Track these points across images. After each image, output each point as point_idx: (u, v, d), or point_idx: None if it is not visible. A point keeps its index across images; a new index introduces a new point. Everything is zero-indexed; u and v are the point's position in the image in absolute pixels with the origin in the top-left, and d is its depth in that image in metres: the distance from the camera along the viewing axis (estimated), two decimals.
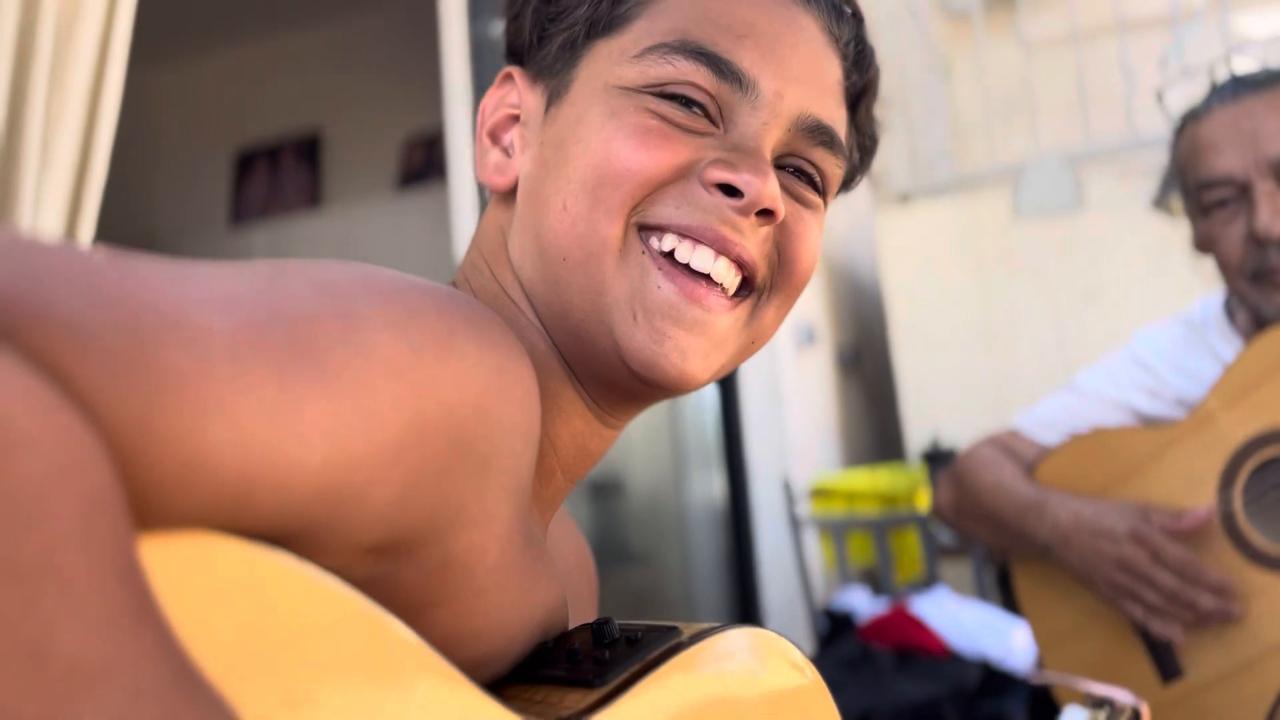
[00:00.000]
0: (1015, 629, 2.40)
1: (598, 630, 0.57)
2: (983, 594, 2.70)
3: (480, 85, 2.76)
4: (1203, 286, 1.58)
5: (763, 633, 0.62)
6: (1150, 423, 1.47)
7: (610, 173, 0.61)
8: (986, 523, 1.50)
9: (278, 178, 4.22)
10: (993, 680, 2.34)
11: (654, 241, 0.62)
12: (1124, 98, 3.17)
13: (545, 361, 0.65)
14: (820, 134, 0.66)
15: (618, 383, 0.65)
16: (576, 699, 0.53)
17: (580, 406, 0.67)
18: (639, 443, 3.35)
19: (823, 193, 0.69)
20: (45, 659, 0.28)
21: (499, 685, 0.56)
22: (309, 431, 0.39)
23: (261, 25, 4.07)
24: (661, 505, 3.48)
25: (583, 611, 0.80)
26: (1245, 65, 1.40)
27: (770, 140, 0.64)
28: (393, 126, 4.04)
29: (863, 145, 0.76)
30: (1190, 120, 1.40)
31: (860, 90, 0.73)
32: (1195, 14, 3.05)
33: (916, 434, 3.59)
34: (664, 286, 0.61)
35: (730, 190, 0.62)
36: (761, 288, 0.66)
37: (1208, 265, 1.45)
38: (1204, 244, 1.42)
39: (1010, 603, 2.64)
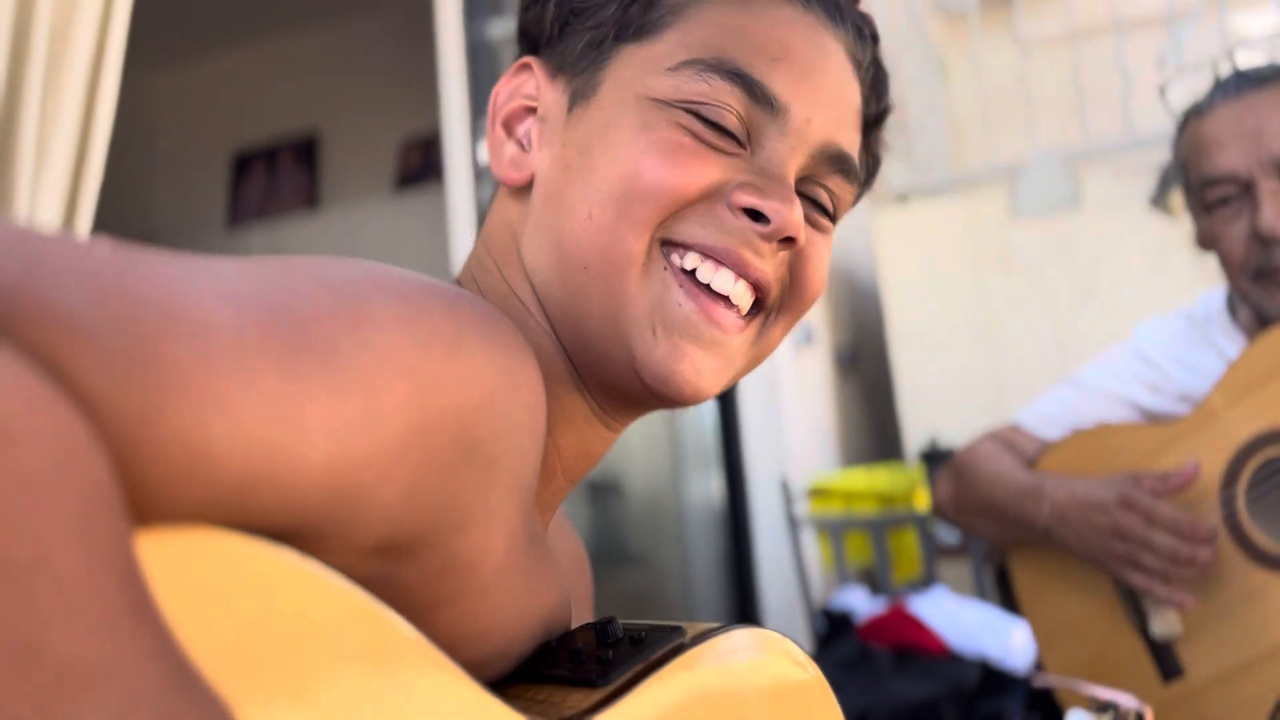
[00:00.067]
0: (1014, 628, 2.40)
1: (601, 630, 0.57)
2: (981, 593, 2.70)
3: (477, 87, 2.75)
4: (1203, 284, 1.58)
5: (766, 633, 0.62)
6: (1153, 418, 1.47)
7: (640, 187, 0.61)
8: (986, 514, 1.49)
9: (275, 179, 4.22)
10: (991, 680, 2.33)
11: (675, 258, 0.63)
12: (1121, 97, 3.18)
13: (552, 365, 0.65)
14: (840, 162, 0.67)
15: (626, 392, 0.65)
16: (580, 698, 0.53)
17: (584, 410, 0.67)
18: (637, 444, 3.35)
19: (833, 217, 0.70)
20: (39, 659, 0.27)
21: (502, 684, 0.56)
22: (313, 428, 0.38)
23: (258, 27, 4.06)
24: (660, 506, 3.47)
25: (580, 612, 0.80)
26: (1249, 60, 1.39)
27: (794, 166, 0.65)
28: (390, 128, 4.04)
29: (869, 166, 0.77)
30: (1193, 116, 1.39)
31: (876, 116, 0.74)
32: (1191, 13, 3.05)
33: (914, 434, 3.59)
34: (685, 304, 0.62)
35: (756, 215, 0.62)
36: (771, 307, 0.67)
37: (1209, 261, 1.44)
38: (1206, 241, 1.41)
39: (1009, 602, 2.64)
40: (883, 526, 2.89)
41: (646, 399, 0.65)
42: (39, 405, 0.29)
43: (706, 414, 3.38)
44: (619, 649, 0.55)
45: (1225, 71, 1.39)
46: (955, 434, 3.19)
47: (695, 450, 3.41)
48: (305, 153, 4.21)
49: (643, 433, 3.31)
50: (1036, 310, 3.53)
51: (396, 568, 0.46)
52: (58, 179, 1.00)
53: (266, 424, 0.37)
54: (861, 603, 2.72)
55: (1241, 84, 1.34)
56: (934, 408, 3.57)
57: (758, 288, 0.64)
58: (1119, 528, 1.29)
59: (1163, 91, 1.51)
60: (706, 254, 0.62)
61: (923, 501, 3.03)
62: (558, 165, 0.65)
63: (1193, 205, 1.43)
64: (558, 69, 0.68)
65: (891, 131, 0.79)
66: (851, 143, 0.68)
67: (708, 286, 0.63)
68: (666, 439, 3.39)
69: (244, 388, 0.36)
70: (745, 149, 0.64)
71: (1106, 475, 1.35)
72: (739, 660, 0.60)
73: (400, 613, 0.44)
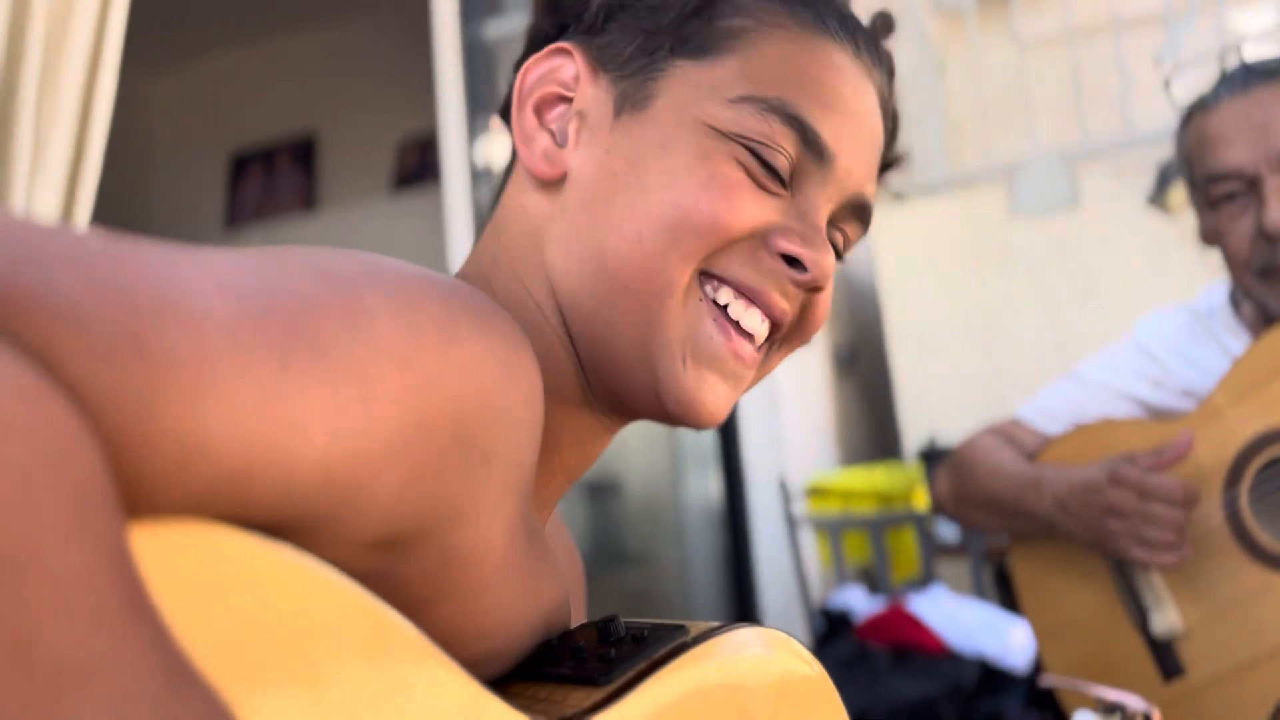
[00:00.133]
0: (1013, 627, 2.40)
1: (603, 628, 0.57)
2: (980, 592, 2.70)
3: (474, 88, 2.76)
4: (1203, 282, 1.57)
5: (770, 631, 0.61)
6: (1155, 413, 1.46)
7: (697, 221, 0.61)
8: (986, 508, 1.48)
9: (273, 180, 4.21)
10: (990, 679, 2.33)
11: (709, 289, 0.64)
12: (1119, 95, 3.18)
13: (562, 369, 0.65)
14: (862, 212, 0.69)
15: (637, 407, 0.66)
16: (581, 697, 0.53)
17: (589, 416, 0.68)
18: (636, 443, 3.35)
19: (841, 257, 0.71)
20: (31, 656, 0.27)
21: (502, 683, 0.56)
22: (310, 419, 0.38)
23: (255, 28, 4.06)
24: (658, 506, 3.47)
25: (575, 612, 0.80)
26: (1256, 53, 1.37)
27: (827, 213, 0.66)
28: (387, 129, 4.04)
29: None
30: (1198, 110, 1.37)
31: (887, 162, 0.75)
32: (1189, 11, 3.05)
33: (913, 432, 3.59)
34: (716, 338, 0.64)
35: (793, 261, 0.64)
36: (780, 338, 0.69)
37: (1209, 259, 1.43)
38: (1210, 237, 1.40)
39: (1008, 601, 2.64)
40: (881, 526, 2.89)
41: (658, 417, 0.66)
42: (30, 397, 0.29)
43: None
44: (621, 647, 0.55)
45: (1231, 65, 1.37)
46: (954, 433, 3.19)
47: (694, 450, 3.40)
48: (303, 153, 4.21)
49: (641, 433, 3.31)
50: (1035, 309, 3.53)
51: (395, 563, 0.46)
52: (54, 180, 1.00)
53: (262, 416, 0.36)
54: (860, 602, 2.72)
55: (1248, 78, 1.33)
56: (933, 407, 3.57)
57: (775, 324, 0.66)
58: (1113, 506, 1.28)
59: (1167, 85, 1.49)
60: (741, 291, 0.64)
61: (921, 501, 3.03)
62: (601, 172, 0.64)
63: (1197, 201, 1.42)
64: (601, 64, 0.67)
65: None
66: (873, 191, 0.70)
67: (736, 322, 0.64)
68: (665, 439, 3.39)
69: (239, 379, 0.36)
70: (787, 191, 0.65)
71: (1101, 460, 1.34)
72: (742, 658, 0.59)
73: (399, 609, 0.43)
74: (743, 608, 3.20)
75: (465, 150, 2.72)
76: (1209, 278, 1.55)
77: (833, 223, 0.68)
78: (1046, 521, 1.38)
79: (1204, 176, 1.36)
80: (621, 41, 0.66)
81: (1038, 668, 2.18)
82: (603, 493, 3.34)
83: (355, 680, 0.40)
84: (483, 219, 2.71)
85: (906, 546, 3.00)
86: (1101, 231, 3.40)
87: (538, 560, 0.57)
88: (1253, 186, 1.31)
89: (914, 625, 2.46)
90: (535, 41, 0.71)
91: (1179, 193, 2.83)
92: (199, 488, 0.35)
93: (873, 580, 3.07)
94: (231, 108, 4.28)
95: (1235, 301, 1.46)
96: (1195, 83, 1.43)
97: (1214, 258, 1.42)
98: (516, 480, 0.51)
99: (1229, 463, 1.31)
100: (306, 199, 4.17)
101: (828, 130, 0.64)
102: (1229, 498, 1.30)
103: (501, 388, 0.48)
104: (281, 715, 0.37)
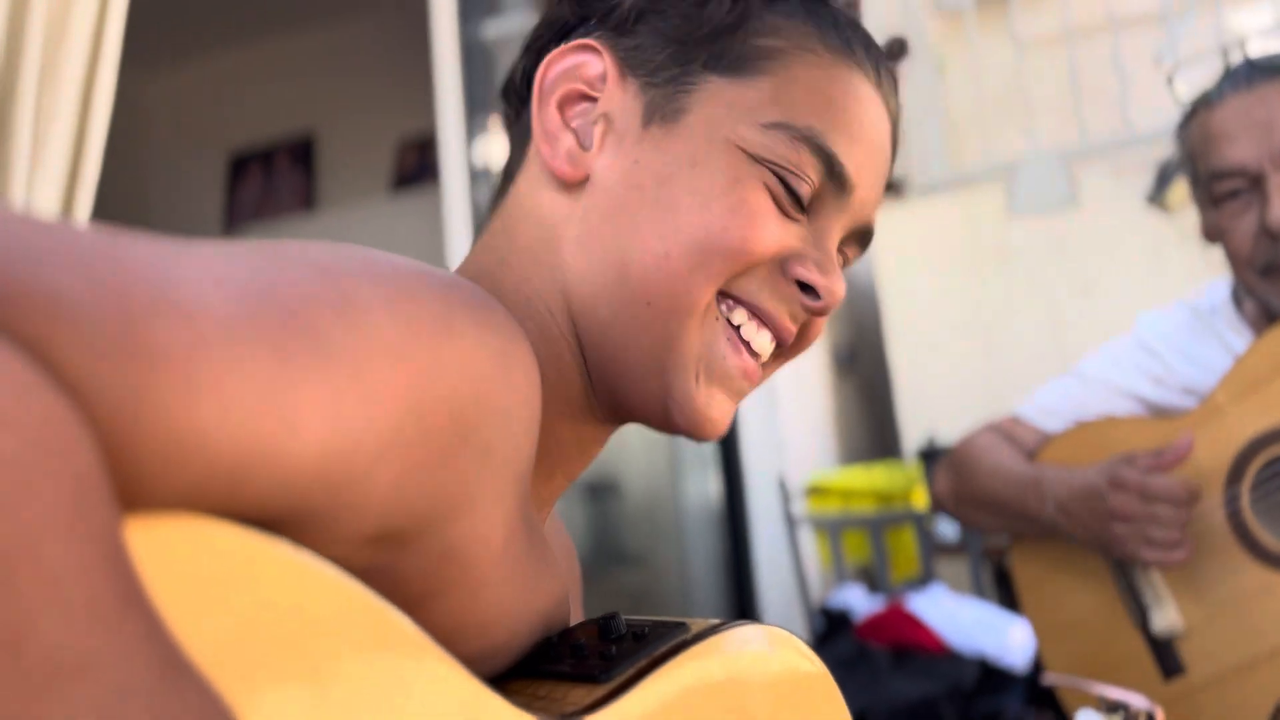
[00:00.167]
0: (1012, 626, 2.39)
1: (604, 625, 0.57)
2: (979, 591, 2.70)
3: (472, 88, 2.75)
4: (1202, 281, 1.56)
5: (771, 628, 0.61)
6: (1156, 410, 1.45)
7: (726, 245, 0.62)
8: (986, 508, 1.48)
9: (272, 180, 4.21)
10: (990, 678, 2.33)
11: (724, 308, 0.65)
12: (1118, 95, 3.18)
13: (568, 374, 0.65)
14: (866, 237, 0.71)
15: (641, 415, 0.67)
16: (582, 694, 0.52)
17: (591, 419, 0.68)
18: (636, 443, 3.35)
19: None
20: (23, 651, 0.27)
21: (502, 680, 0.56)
22: (306, 412, 0.38)
23: (254, 28, 4.06)
24: (658, 505, 3.47)
25: (573, 610, 0.80)
26: (1260, 49, 1.36)
27: (839, 238, 0.68)
28: (386, 129, 4.03)
29: None
30: (1202, 107, 1.37)
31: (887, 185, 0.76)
32: (1188, 11, 3.05)
33: (912, 432, 3.59)
34: (729, 358, 0.65)
35: (808, 288, 0.65)
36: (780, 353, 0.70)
37: (1208, 257, 1.43)
38: (1213, 234, 1.39)
39: (1007, 600, 2.64)
40: (881, 525, 2.88)
41: (660, 427, 0.66)
42: (25, 391, 0.28)
43: None
44: (622, 644, 0.55)
45: (1235, 61, 1.37)
46: (953, 432, 3.18)
47: (693, 449, 3.40)
48: (302, 154, 4.21)
49: (641, 433, 3.28)
50: (1034, 308, 3.53)
51: (393, 558, 0.46)
52: (53, 180, 1.00)
53: (257, 409, 0.36)
54: (859, 601, 2.72)
55: (1252, 74, 1.32)
56: (932, 406, 3.57)
57: (780, 343, 0.68)
58: (1116, 510, 1.27)
59: (1170, 81, 1.48)
60: (754, 313, 0.65)
61: (921, 500, 3.02)
62: (628, 183, 0.64)
63: (1200, 198, 1.41)
64: (629, 67, 0.66)
65: None
66: (876, 216, 0.71)
67: (748, 343, 0.66)
68: (665, 439, 3.39)
69: (234, 372, 0.35)
70: (805, 216, 0.66)
71: (1100, 463, 1.33)
72: (743, 655, 0.59)
73: (398, 605, 0.43)
74: (742, 607, 3.20)
75: (464, 150, 2.72)
76: (1208, 276, 1.54)
77: (839, 248, 0.70)
78: (1048, 525, 1.37)
79: (1207, 173, 1.35)
80: (652, 47, 0.66)
81: (1037, 667, 2.18)
82: (602, 493, 3.34)
83: (354, 678, 0.40)
84: (482, 219, 2.70)
85: (906, 546, 3.00)
86: (1100, 231, 3.40)
87: (537, 557, 0.57)
88: (1256, 183, 1.30)
89: (913, 624, 2.45)
90: (554, 28, 0.70)
91: (1178, 192, 2.83)
92: (194, 482, 0.35)
93: (872, 579, 3.07)
94: (230, 108, 4.28)
95: (1237, 299, 1.45)
96: (1199, 79, 1.41)
97: (1214, 256, 1.41)
98: (515, 474, 0.51)
99: (1230, 462, 1.30)
100: (306, 199, 4.17)
101: (851, 162, 0.65)
102: (1230, 496, 1.29)
103: (499, 381, 0.48)
104: (280, 713, 0.36)
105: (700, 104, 0.64)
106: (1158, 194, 2.95)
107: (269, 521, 0.38)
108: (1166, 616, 1.32)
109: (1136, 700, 0.80)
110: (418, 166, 3.97)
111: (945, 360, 3.62)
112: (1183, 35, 2.84)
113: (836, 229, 0.67)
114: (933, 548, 2.91)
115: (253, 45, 4.14)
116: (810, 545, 3.16)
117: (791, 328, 0.67)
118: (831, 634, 2.63)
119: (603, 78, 0.66)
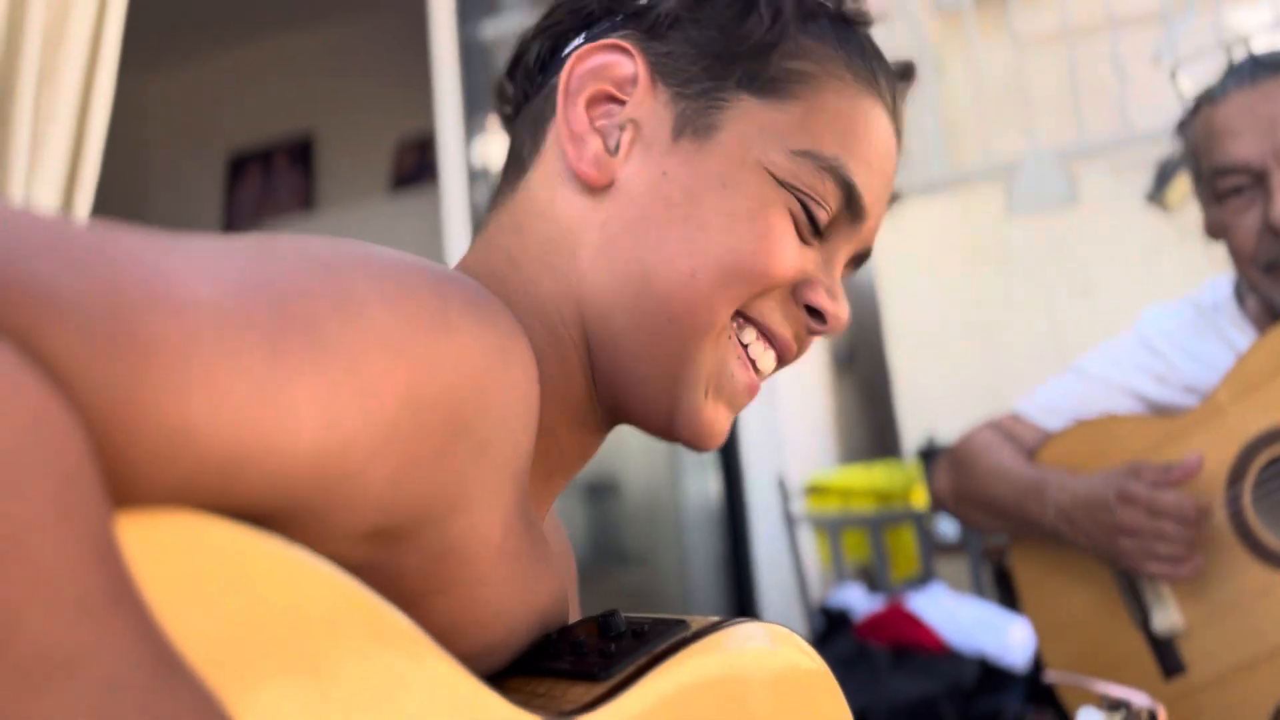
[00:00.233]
0: (1012, 625, 2.39)
1: (604, 623, 0.57)
2: (979, 590, 2.70)
3: (471, 88, 2.75)
4: (1205, 276, 1.56)
5: (771, 625, 0.61)
6: (1158, 409, 1.44)
7: (752, 270, 0.62)
8: (986, 508, 1.47)
9: (271, 180, 4.21)
10: (990, 677, 2.33)
11: (734, 326, 0.65)
12: (1117, 93, 3.18)
13: (573, 377, 0.65)
14: (864, 258, 0.72)
15: (642, 424, 0.68)
16: (581, 692, 0.52)
17: (593, 421, 0.68)
18: (635, 443, 3.34)
19: None
20: (13, 645, 0.26)
21: (500, 678, 0.55)
22: (300, 406, 0.37)
23: (253, 28, 4.05)
24: (657, 505, 3.47)
25: (570, 611, 0.80)
26: (1265, 45, 1.36)
27: (844, 261, 0.69)
28: (385, 129, 4.03)
29: None
30: (1205, 102, 1.36)
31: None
32: (1187, 9, 3.05)
33: (912, 431, 3.59)
34: (739, 376, 0.66)
35: (816, 313, 0.67)
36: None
37: (1207, 256, 1.42)
38: (1216, 231, 1.38)
39: (1007, 599, 2.64)
40: (880, 524, 2.88)
41: (662, 436, 0.67)
42: (15, 384, 0.28)
43: None
44: (621, 642, 0.55)
45: (1239, 57, 1.36)
46: (953, 431, 3.17)
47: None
48: (301, 154, 4.21)
49: (640, 433, 3.30)
50: (1034, 307, 3.53)
51: (390, 555, 0.46)
52: (52, 181, 1.00)
53: (250, 403, 0.35)
54: (859, 600, 2.72)
55: (1256, 70, 1.31)
56: (931, 405, 3.57)
57: (781, 361, 0.69)
58: (1124, 525, 1.27)
59: (1173, 76, 1.47)
60: (763, 333, 0.66)
61: (920, 499, 3.03)
62: (655, 194, 0.63)
63: (1203, 194, 1.40)
64: (661, 74, 0.65)
65: None
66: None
67: (754, 361, 0.67)
68: None
69: (226, 366, 0.35)
70: (819, 240, 0.66)
71: (1105, 469, 1.33)
72: (744, 653, 0.59)
73: (396, 602, 0.43)
74: (742, 607, 3.20)
75: (463, 150, 2.71)
76: (1209, 274, 1.54)
77: None
78: (1050, 530, 1.37)
79: (1210, 169, 1.34)
80: (685, 56, 0.65)
81: (1037, 665, 2.18)
82: (602, 492, 3.33)
83: (351, 675, 0.39)
84: (480, 219, 2.70)
85: (905, 545, 3.00)
86: (1100, 229, 3.40)
87: (535, 554, 0.57)
88: (1260, 180, 1.29)
89: (913, 624, 2.45)
90: (577, 15, 0.69)
91: (1177, 190, 2.83)
92: (186, 476, 0.34)
93: (872, 579, 3.06)
94: (229, 108, 4.28)
95: (1240, 296, 1.44)
96: (1202, 74, 1.40)
97: (1214, 254, 1.41)
98: (513, 471, 0.51)
99: (1232, 460, 1.29)
100: (305, 199, 4.17)
101: (868, 193, 0.66)
102: (1232, 496, 1.29)
103: (496, 376, 0.48)
104: (276, 711, 0.36)
105: (732, 122, 0.64)
106: (1157, 192, 2.95)
107: (263, 517, 0.38)
108: (1167, 616, 1.32)
109: (1138, 698, 0.79)
110: (417, 166, 3.97)
111: (945, 359, 3.63)
112: (1182, 34, 2.84)
113: (844, 254, 0.69)
114: (932, 547, 2.91)
115: (252, 45, 4.14)
116: (810, 544, 3.16)
117: (794, 347, 0.68)
118: (831, 633, 2.63)
119: (633, 81, 0.65)
